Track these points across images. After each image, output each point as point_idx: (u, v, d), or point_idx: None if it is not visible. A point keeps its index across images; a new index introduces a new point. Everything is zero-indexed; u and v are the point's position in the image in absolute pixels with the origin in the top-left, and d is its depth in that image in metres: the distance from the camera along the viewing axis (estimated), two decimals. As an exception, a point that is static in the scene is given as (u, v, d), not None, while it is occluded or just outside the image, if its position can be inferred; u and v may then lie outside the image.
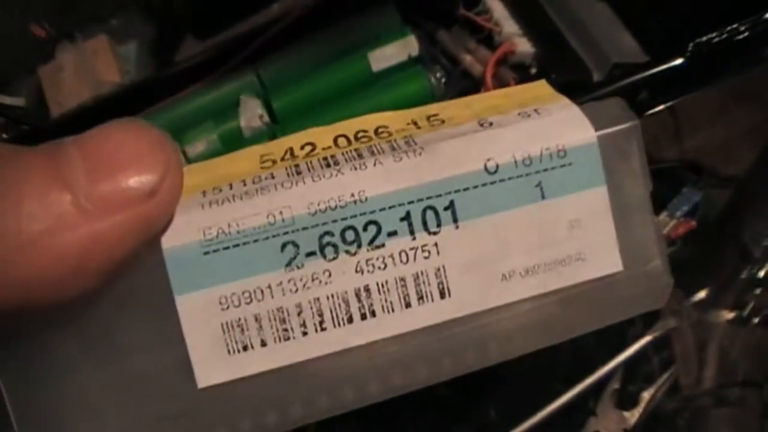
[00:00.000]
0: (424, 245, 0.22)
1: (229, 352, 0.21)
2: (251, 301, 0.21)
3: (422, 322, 0.22)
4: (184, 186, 0.20)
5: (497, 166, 0.22)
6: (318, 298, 0.21)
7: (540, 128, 0.22)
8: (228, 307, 0.21)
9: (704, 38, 0.45)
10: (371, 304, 0.22)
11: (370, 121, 0.23)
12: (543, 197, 0.22)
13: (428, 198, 0.21)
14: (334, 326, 0.22)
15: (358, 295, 0.22)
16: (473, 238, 0.22)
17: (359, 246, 0.21)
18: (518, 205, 0.22)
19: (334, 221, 0.21)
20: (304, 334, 0.22)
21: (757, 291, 0.53)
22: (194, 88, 0.53)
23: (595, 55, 0.48)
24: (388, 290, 0.22)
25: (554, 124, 0.22)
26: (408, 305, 0.22)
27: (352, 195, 0.21)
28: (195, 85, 0.53)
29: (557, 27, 0.49)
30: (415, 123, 0.23)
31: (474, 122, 0.22)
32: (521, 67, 0.50)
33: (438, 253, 0.22)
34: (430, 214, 0.21)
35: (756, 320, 0.53)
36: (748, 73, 0.49)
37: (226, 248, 0.21)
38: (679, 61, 0.46)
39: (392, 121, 0.23)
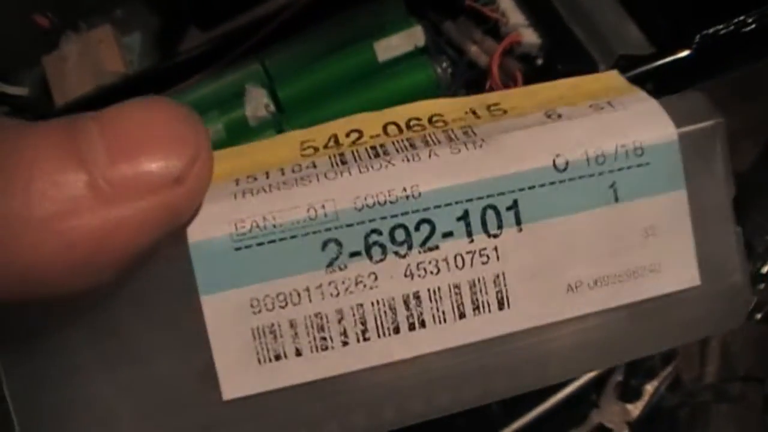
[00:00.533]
0: (483, 249, 0.19)
1: (259, 361, 0.19)
2: (286, 304, 0.19)
3: (477, 335, 0.20)
4: (214, 173, 0.19)
5: (567, 163, 0.19)
6: (362, 304, 0.19)
7: (614, 122, 0.20)
8: (260, 311, 0.19)
9: (711, 30, 0.44)
10: (421, 313, 0.19)
11: (422, 108, 0.21)
12: (616, 199, 0.20)
13: (489, 196, 0.19)
14: (379, 336, 0.20)
15: (406, 303, 0.19)
16: (538, 242, 0.20)
17: (410, 247, 0.19)
18: (589, 207, 0.20)
19: (383, 218, 0.19)
20: (345, 344, 0.19)
21: (761, 286, 0.53)
22: (199, 78, 0.52)
23: (601, 47, 0.47)
24: (441, 298, 0.20)
25: (630, 119, 0.20)
26: (462, 316, 0.20)
27: (404, 189, 0.19)
28: (199, 74, 0.52)
29: (563, 18, 0.48)
30: (473, 112, 0.21)
31: (540, 113, 0.20)
32: (527, 58, 0.49)
33: (498, 258, 0.20)
34: (490, 213, 0.19)
35: (758, 316, 0.52)
36: (754, 65, 0.49)
37: (261, 244, 0.18)
38: (685, 52, 0.44)
39: (448, 109, 0.21)
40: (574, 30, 0.48)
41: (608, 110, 0.20)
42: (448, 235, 0.19)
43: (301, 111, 0.51)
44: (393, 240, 0.19)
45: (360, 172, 0.19)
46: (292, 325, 0.19)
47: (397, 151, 0.19)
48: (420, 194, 0.19)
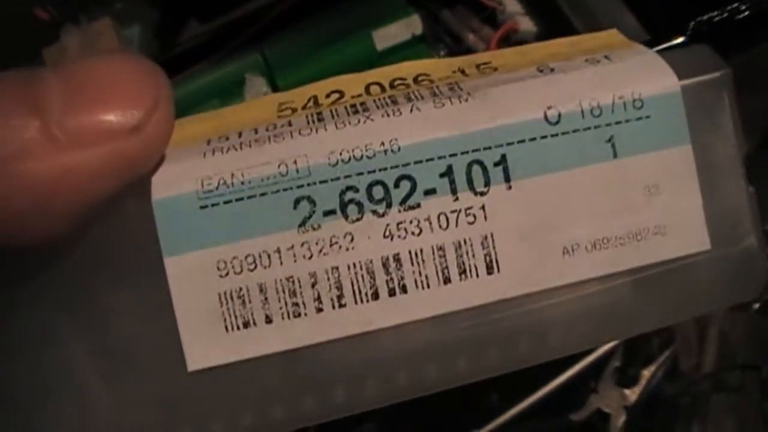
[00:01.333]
0: (469, 208, 0.18)
1: (226, 328, 0.18)
2: (256, 267, 0.18)
3: (464, 302, 0.18)
4: (187, 133, 0.18)
5: (560, 115, 0.18)
6: (337, 267, 0.18)
7: (611, 73, 0.18)
8: (227, 274, 0.18)
9: (705, 17, 0.44)
10: (402, 278, 0.18)
11: (407, 68, 0.20)
12: (615, 155, 0.18)
13: (475, 150, 0.18)
14: (356, 302, 0.18)
15: (386, 266, 0.18)
16: (529, 200, 0.18)
17: (389, 205, 0.18)
18: (585, 163, 0.18)
19: (360, 174, 0.17)
20: (319, 310, 0.18)
21: None
22: (198, 68, 0.53)
23: None
24: (423, 261, 0.18)
25: (629, 70, 0.18)
26: (447, 281, 0.18)
27: (382, 144, 0.17)
28: (199, 65, 0.53)
29: (559, 5, 0.48)
30: (461, 71, 0.19)
31: (532, 68, 0.19)
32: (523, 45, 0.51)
33: (485, 217, 0.18)
34: (476, 169, 0.18)
35: (756, 306, 0.51)
36: (748, 51, 0.50)
37: (228, 202, 0.17)
38: (680, 39, 0.44)
39: (434, 68, 0.19)
40: (570, 17, 0.48)
41: (605, 63, 0.19)
42: (430, 192, 0.18)
43: None
44: (370, 198, 0.18)
45: (336, 128, 0.18)
46: (262, 289, 0.18)
47: (378, 107, 0.18)
48: (399, 148, 0.17)
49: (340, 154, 0.17)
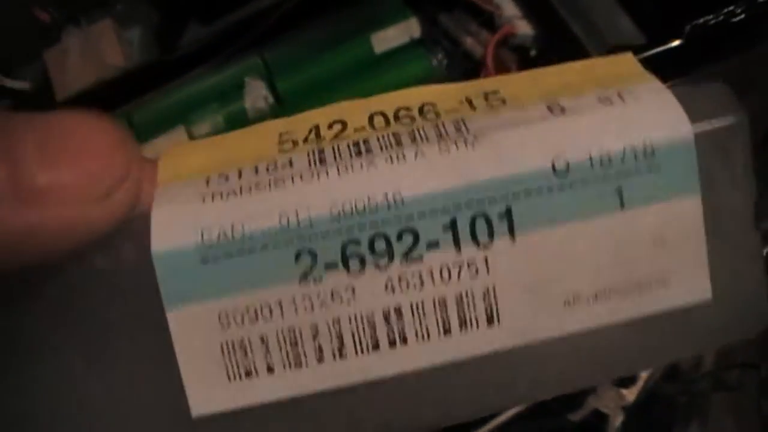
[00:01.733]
0: (472, 260, 0.17)
1: (229, 377, 0.18)
2: (257, 318, 0.17)
3: (464, 352, 0.18)
4: (186, 165, 0.18)
5: (568, 166, 0.17)
6: (338, 319, 0.18)
7: (624, 118, 0.18)
8: (229, 325, 0.17)
9: (701, 20, 0.45)
10: (402, 329, 0.18)
11: (414, 95, 0.19)
12: (622, 206, 0.18)
13: (479, 202, 0.17)
14: (356, 353, 0.18)
15: (386, 318, 0.18)
16: (533, 253, 0.18)
17: (391, 258, 0.17)
18: (591, 215, 0.18)
19: (362, 227, 0.17)
20: (320, 360, 0.18)
21: None
22: (199, 71, 0.53)
23: (594, 37, 0.47)
24: (424, 313, 0.18)
25: (641, 114, 0.18)
26: (447, 332, 0.18)
27: (386, 195, 0.17)
28: (200, 68, 0.53)
29: (556, 9, 0.49)
30: (469, 102, 0.19)
31: (542, 105, 0.18)
32: (521, 49, 0.49)
33: (488, 270, 0.18)
34: (480, 222, 0.17)
35: None
36: (743, 54, 0.51)
37: (229, 255, 0.17)
38: (675, 42, 0.45)
39: (442, 96, 0.19)
40: (567, 21, 0.48)
41: (617, 104, 0.18)
42: (433, 245, 0.17)
43: (299, 103, 0.49)
44: (372, 251, 0.17)
45: (338, 173, 0.17)
46: (264, 340, 0.18)
47: (381, 148, 0.18)
48: (403, 201, 0.17)
49: (343, 206, 0.17)
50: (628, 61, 0.19)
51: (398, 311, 0.18)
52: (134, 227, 0.17)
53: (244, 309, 0.17)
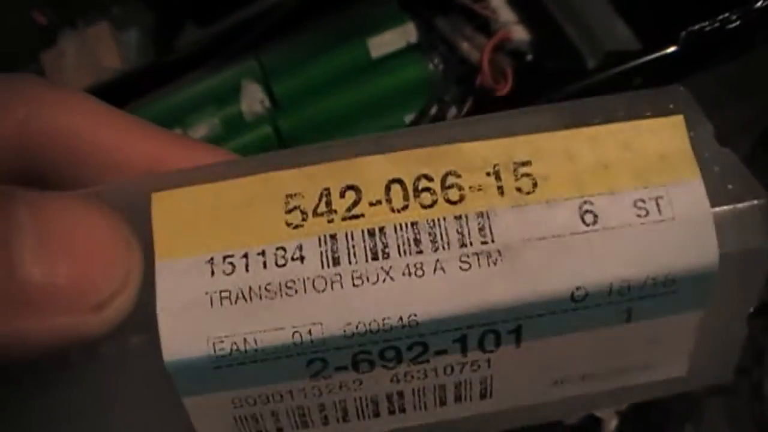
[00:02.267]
0: (475, 361, 0.18)
1: None
2: (269, 402, 0.18)
3: (455, 415, 0.19)
4: (187, 237, 0.17)
5: (586, 295, 0.17)
6: (344, 400, 0.18)
7: (653, 244, 0.17)
8: (242, 406, 0.18)
9: (696, 26, 0.45)
10: (402, 405, 0.18)
11: (436, 157, 0.17)
12: (628, 320, 0.18)
13: (492, 322, 0.17)
14: (359, 419, 0.18)
15: (389, 398, 0.18)
16: (534, 353, 0.18)
17: (399, 362, 0.17)
18: (597, 327, 0.18)
19: (374, 342, 0.17)
20: (325, 424, 0.18)
21: None
22: (195, 74, 0.53)
23: (589, 43, 0.48)
24: (425, 395, 0.18)
25: (672, 239, 0.17)
26: (443, 404, 0.18)
27: (401, 319, 0.16)
28: (196, 71, 0.53)
29: (552, 15, 0.49)
30: (497, 174, 0.17)
31: (574, 207, 0.17)
32: (517, 54, 0.49)
33: (489, 366, 0.18)
34: (489, 336, 0.17)
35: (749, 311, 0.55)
36: (738, 61, 0.49)
37: (242, 363, 0.17)
38: (671, 48, 0.45)
39: (468, 161, 0.17)
40: (563, 26, 0.49)
41: (653, 217, 0.17)
42: (441, 352, 0.17)
43: (296, 106, 0.51)
44: (382, 358, 0.17)
45: (354, 284, 0.17)
46: (274, 414, 0.18)
47: (399, 252, 0.17)
48: (417, 323, 0.17)
49: (357, 326, 0.17)
50: (678, 135, 0.18)
51: (400, 394, 0.18)
52: (142, 322, 0.17)
53: (256, 397, 0.18)
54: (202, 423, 0.18)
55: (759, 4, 0.45)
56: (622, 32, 0.48)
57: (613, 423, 0.50)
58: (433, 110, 0.49)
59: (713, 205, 0.17)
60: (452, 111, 0.49)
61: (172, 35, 0.59)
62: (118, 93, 0.54)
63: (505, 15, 0.50)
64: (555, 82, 0.48)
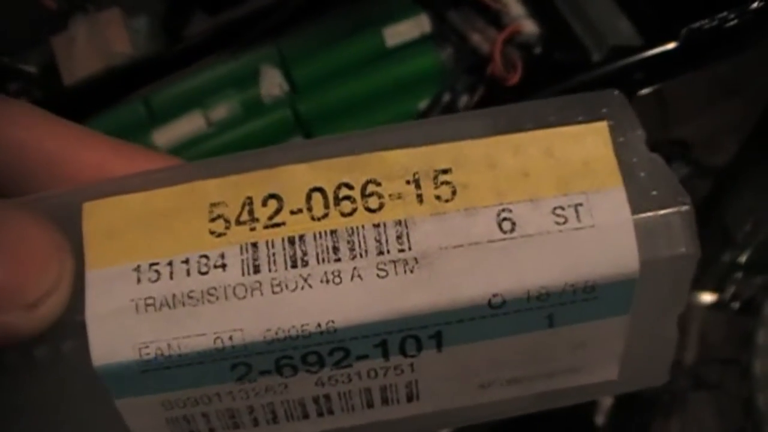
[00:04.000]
0: (398, 365, 0.18)
1: None
2: (198, 404, 0.18)
3: (384, 417, 0.19)
4: (114, 246, 0.17)
5: (504, 302, 0.17)
6: (272, 403, 0.18)
7: (571, 252, 0.17)
8: (173, 408, 0.18)
9: (696, 24, 0.47)
10: (330, 407, 0.19)
11: (358, 165, 0.18)
12: (551, 326, 0.18)
13: (412, 328, 0.17)
14: (288, 421, 0.19)
15: (316, 401, 0.18)
16: (457, 359, 0.18)
17: (322, 367, 0.17)
18: (518, 333, 0.18)
19: (295, 348, 0.17)
20: (255, 425, 0.19)
21: (738, 275, 0.54)
22: (213, 58, 0.55)
23: (594, 38, 0.50)
24: (351, 398, 0.18)
25: (592, 248, 0.17)
26: (371, 406, 0.19)
27: (319, 325, 0.17)
28: (215, 56, 0.55)
29: (560, 10, 0.51)
30: (417, 183, 0.17)
31: (492, 214, 0.17)
32: (526, 46, 0.51)
33: (413, 370, 0.18)
34: (410, 342, 0.17)
35: (736, 306, 0.54)
36: (735, 58, 0.51)
37: (168, 368, 0.17)
38: (672, 45, 0.48)
39: (388, 168, 0.18)
40: (570, 22, 0.51)
41: (571, 224, 0.17)
42: (362, 357, 0.18)
43: (313, 91, 0.54)
44: (305, 362, 0.17)
45: (273, 292, 0.17)
46: (204, 415, 0.18)
47: (318, 260, 0.17)
48: (335, 330, 0.17)
49: (276, 332, 0.17)
50: (600, 143, 0.18)
51: (327, 397, 0.18)
52: (72, 327, 0.17)
53: (185, 399, 0.18)
54: (135, 424, 0.18)
55: (755, 5, 0.47)
56: (624, 28, 0.50)
57: (608, 402, 0.53)
58: (446, 98, 0.51)
59: (636, 212, 0.17)
60: (464, 99, 0.51)
61: (181, 23, 0.60)
62: (129, 79, 0.56)
63: (516, 9, 0.52)
64: (561, 73, 0.50)
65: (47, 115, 0.20)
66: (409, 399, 0.19)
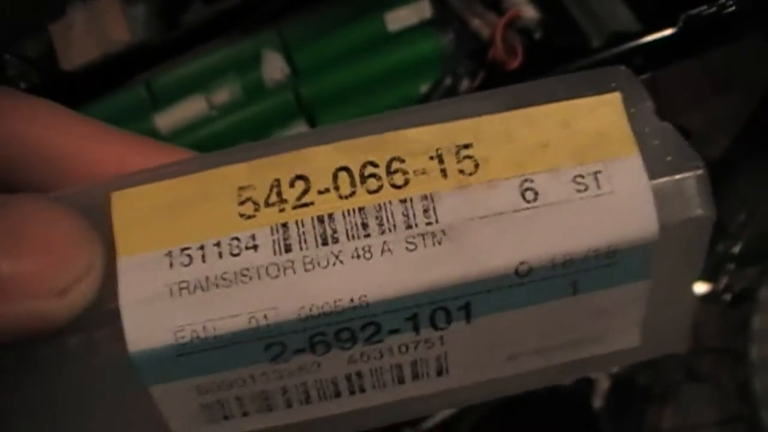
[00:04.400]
0: (428, 339, 0.18)
1: (208, 422, 0.19)
2: (232, 387, 0.18)
3: (415, 392, 0.19)
4: (146, 233, 0.18)
5: (530, 270, 0.18)
6: (305, 383, 0.19)
7: (593, 218, 0.17)
8: (207, 392, 0.18)
9: (695, 11, 0.48)
10: (362, 385, 0.19)
11: (381, 144, 0.18)
12: (575, 293, 0.18)
13: (442, 300, 0.18)
14: (320, 400, 0.19)
15: (348, 379, 0.19)
16: (486, 329, 0.18)
17: (354, 343, 0.18)
18: (544, 301, 0.18)
19: (329, 324, 0.17)
20: (288, 406, 0.19)
21: (731, 266, 0.54)
22: (214, 44, 0.55)
23: (594, 23, 0.51)
24: (382, 374, 0.19)
25: (612, 213, 0.17)
26: (402, 382, 0.19)
27: (352, 300, 0.17)
28: (216, 41, 0.55)
29: None
30: (440, 158, 0.18)
31: (515, 185, 0.17)
32: (526, 31, 0.52)
33: (442, 343, 0.18)
34: (440, 313, 0.18)
35: (728, 298, 0.54)
36: (726, 52, 0.52)
37: (203, 350, 0.17)
38: (670, 30, 0.49)
39: (411, 145, 0.18)
40: (569, 7, 0.52)
41: (592, 192, 0.18)
42: (394, 331, 0.18)
43: (315, 75, 0.54)
44: (338, 339, 0.18)
45: (305, 269, 0.17)
46: (238, 399, 0.19)
47: (348, 236, 0.17)
48: (368, 304, 0.17)
49: (310, 309, 0.17)
50: (614, 111, 0.18)
51: (359, 374, 0.19)
52: (105, 315, 0.17)
53: (219, 382, 0.18)
54: (169, 410, 0.18)
55: (751, -8, 0.46)
56: (624, 14, 0.51)
57: (605, 384, 0.53)
58: (447, 82, 0.52)
59: (652, 178, 0.18)
60: (465, 83, 0.52)
61: (179, 10, 0.60)
62: (129, 64, 0.57)
63: (515, -7, 0.51)
64: (561, 58, 0.51)
65: (63, 110, 0.20)
66: (439, 373, 0.19)
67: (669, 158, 0.18)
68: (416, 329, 0.18)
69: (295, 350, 0.18)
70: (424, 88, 0.53)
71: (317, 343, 0.18)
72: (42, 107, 0.20)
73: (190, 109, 0.55)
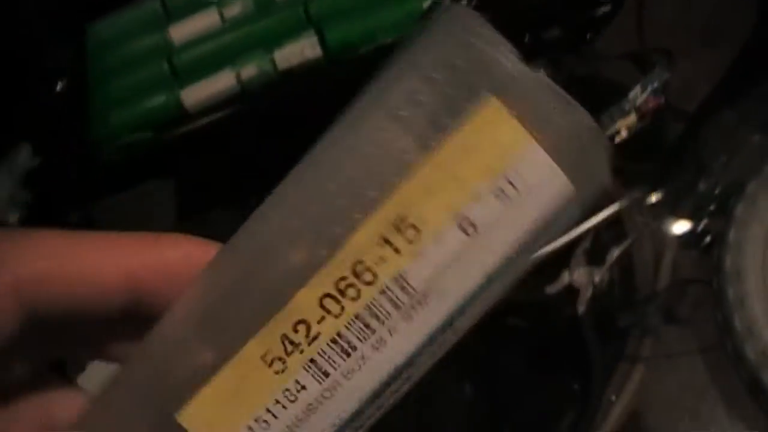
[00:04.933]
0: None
1: None
2: None
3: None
4: (214, 420, 0.21)
5: (496, 274, 0.20)
6: None
7: (524, 211, 0.20)
8: None
9: None
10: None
11: (341, 260, 0.20)
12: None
13: (442, 334, 0.21)
14: None
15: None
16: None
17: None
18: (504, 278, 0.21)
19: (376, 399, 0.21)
20: None
21: (712, 207, 0.56)
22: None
23: None
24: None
25: (536, 199, 0.20)
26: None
27: (388, 375, 0.20)
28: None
29: None
30: (388, 242, 0.20)
31: (454, 227, 0.20)
32: None
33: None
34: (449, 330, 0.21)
35: (707, 240, 0.56)
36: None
37: None
38: None
39: (361, 245, 0.20)
40: None
41: (512, 193, 0.19)
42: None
43: (346, 53, 0.56)
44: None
45: (347, 379, 0.20)
46: None
47: (361, 339, 0.20)
48: (402, 371, 0.21)
49: (361, 401, 0.21)
50: (495, 111, 0.19)
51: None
52: None
53: None
54: None
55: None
56: None
57: (589, 293, 0.55)
58: None
59: (540, 138, 0.19)
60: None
61: None
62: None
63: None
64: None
65: (65, 235, 0.22)
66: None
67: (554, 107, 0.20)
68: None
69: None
70: (426, 3, 0.54)
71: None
72: (43, 238, 0.22)
73: (203, 21, 0.56)
